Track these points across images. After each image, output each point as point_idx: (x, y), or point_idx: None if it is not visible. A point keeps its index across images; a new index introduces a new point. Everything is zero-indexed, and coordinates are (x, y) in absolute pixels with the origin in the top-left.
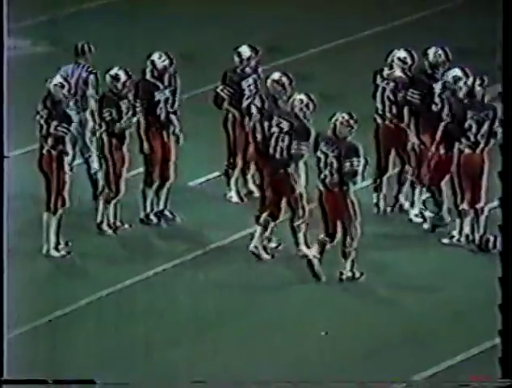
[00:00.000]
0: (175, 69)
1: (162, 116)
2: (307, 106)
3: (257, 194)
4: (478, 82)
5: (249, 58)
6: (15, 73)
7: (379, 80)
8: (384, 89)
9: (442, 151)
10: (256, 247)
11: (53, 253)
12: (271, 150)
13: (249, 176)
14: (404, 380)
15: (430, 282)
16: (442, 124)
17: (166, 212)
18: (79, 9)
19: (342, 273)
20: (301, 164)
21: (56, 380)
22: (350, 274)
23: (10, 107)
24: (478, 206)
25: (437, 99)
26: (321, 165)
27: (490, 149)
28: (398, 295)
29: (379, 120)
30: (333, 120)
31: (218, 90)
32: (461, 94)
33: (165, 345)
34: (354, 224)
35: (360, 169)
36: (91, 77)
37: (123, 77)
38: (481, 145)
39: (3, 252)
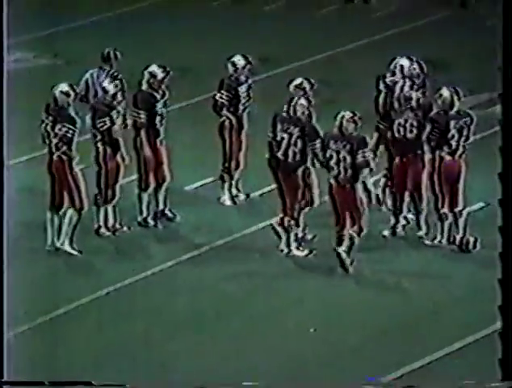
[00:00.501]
0: (170, 80)
1: (158, 125)
2: (308, 109)
3: (242, 197)
4: (454, 92)
5: (243, 67)
6: (19, 84)
7: (381, 86)
8: (386, 94)
9: (397, 160)
10: (289, 249)
11: (69, 250)
12: (281, 156)
13: (233, 181)
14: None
15: (415, 280)
16: (397, 135)
17: (167, 212)
18: (81, 23)
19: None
20: (316, 163)
21: (53, 382)
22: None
23: (12, 117)
24: (457, 209)
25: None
26: (333, 162)
27: (466, 154)
28: (386, 290)
29: (381, 126)
30: (339, 117)
31: (217, 97)
32: (414, 104)
33: (162, 342)
34: (363, 218)
35: (371, 159)
36: (116, 82)
37: (112, 90)
38: (460, 151)
39: (3, 252)
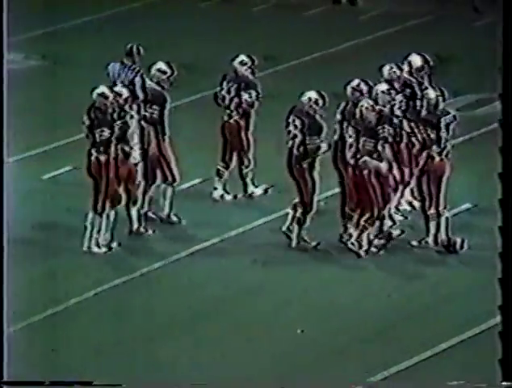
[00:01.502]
0: (175, 78)
1: (165, 123)
2: (316, 102)
3: (258, 193)
4: (439, 92)
5: (253, 64)
6: (10, 85)
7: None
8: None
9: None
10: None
11: (96, 250)
12: (290, 147)
13: (248, 179)
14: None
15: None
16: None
17: (173, 217)
18: (70, 24)
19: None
20: (317, 158)
21: (54, 381)
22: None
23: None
24: (440, 209)
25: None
26: (353, 149)
27: (451, 154)
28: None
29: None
30: (359, 106)
31: (245, 97)
32: (396, 108)
33: (153, 342)
34: (375, 206)
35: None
36: (137, 78)
37: (125, 93)
38: (446, 151)
39: (3, 249)
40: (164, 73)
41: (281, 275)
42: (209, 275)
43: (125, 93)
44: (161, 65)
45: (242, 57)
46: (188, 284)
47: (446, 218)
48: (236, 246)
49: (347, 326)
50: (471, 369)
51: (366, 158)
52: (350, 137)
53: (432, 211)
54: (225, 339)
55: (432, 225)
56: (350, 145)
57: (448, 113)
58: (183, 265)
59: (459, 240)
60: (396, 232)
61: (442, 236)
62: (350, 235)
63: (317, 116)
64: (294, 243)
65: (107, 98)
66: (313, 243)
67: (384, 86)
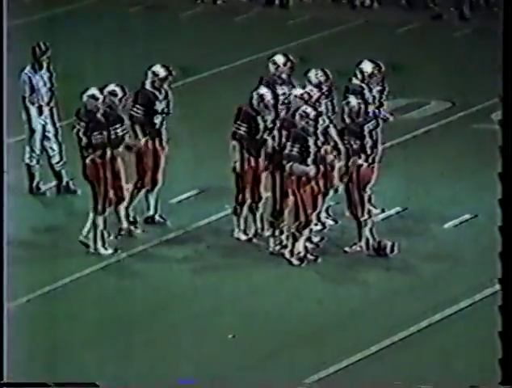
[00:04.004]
0: (171, 81)
1: (157, 125)
2: (261, 97)
3: None
4: (361, 99)
5: (284, 65)
6: None
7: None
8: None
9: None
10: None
11: (103, 251)
12: None
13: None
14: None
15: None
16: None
17: (157, 218)
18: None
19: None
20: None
21: (58, 383)
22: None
23: None
24: (373, 214)
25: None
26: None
27: (379, 158)
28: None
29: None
30: (297, 113)
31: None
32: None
33: (87, 346)
34: (302, 212)
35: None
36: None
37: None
38: (373, 156)
39: (3, 244)
40: (156, 75)
41: (213, 280)
42: (141, 278)
43: (119, 92)
44: (156, 67)
45: (274, 57)
46: (119, 287)
47: (373, 222)
48: (170, 249)
49: (278, 330)
50: (401, 370)
51: (292, 163)
52: (285, 143)
53: (365, 217)
54: (156, 343)
55: (364, 230)
56: (280, 151)
57: (371, 120)
58: (115, 268)
59: (389, 244)
60: (316, 238)
61: (372, 240)
62: (281, 242)
63: (266, 112)
64: (251, 234)
65: (97, 99)
66: (268, 233)
67: (298, 91)
